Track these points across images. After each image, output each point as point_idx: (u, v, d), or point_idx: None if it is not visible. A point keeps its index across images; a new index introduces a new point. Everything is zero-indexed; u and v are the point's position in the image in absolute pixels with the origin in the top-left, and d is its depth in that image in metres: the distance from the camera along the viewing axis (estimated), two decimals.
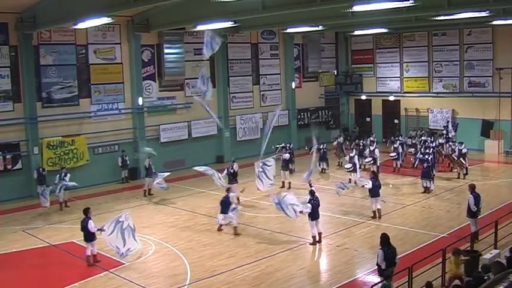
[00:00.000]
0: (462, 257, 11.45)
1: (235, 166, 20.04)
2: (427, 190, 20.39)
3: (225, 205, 16.34)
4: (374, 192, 17.23)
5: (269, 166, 19.77)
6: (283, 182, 22.04)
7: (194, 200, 20.62)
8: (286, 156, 22.50)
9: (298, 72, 32.70)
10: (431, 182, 20.58)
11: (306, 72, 33.01)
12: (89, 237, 14.07)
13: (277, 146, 24.22)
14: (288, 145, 25.13)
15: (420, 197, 19.89)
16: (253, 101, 30.31)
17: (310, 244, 15.02)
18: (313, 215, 15.09)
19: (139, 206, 20.33)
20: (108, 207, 19.96)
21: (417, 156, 23.37)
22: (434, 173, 21.20)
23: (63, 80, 22.95)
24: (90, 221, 14.09)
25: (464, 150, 23.01)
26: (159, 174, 20.91)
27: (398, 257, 11.29)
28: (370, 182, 17.21)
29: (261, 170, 19.56)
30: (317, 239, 15.14)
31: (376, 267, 11.23)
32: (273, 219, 17.10)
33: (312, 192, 15.52)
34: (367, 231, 15.98)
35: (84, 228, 14.05)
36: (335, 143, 27.67)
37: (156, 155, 22.47)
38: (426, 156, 21.27)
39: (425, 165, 20.69)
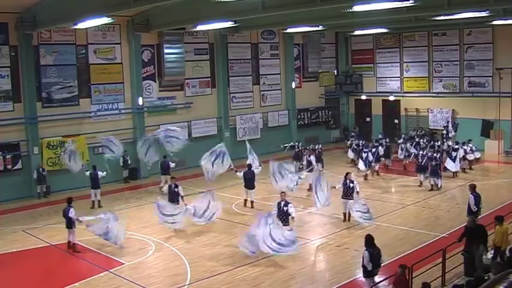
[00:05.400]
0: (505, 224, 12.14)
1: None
2: (435, 187, 20.60)
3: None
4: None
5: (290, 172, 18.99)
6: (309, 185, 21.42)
7: (194, 200, 20.56)
8: (312, 158, 22.10)
9: (298, 72, 32.68)
10: (440, 179, 20.85)
11: (306, 72, 32.99)
12: (69, 224, 15.22)
13: (286, 145, 24.34)
14: (297, 143, 25.47)
15: (420, 197, 19.89)
16: (253, 101, 30.32)
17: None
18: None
19: (139, 206, 20.33)
20: (108, 207, 19.94)
21: (411, 151, 24.16)
22: (441, 171, 21.41)
23: (63, 80, 22.93)
24: (71, 209, 15.18)
25: (471, 157, 23.69)
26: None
27: (382, 258, 11.32)
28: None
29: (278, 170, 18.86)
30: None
31: (362, 268, 11.28)
32: None
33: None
34: (367, 231, 15.89)
35: (65, 215, 15.24)
36: (349, 142, 27.72)
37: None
38: (434, 154, 21.53)
39: (433, 163, 20.94)
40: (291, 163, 20.37)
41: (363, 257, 11.11)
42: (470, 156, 24.05)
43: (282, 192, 15.51)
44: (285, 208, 14.76)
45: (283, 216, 14.72)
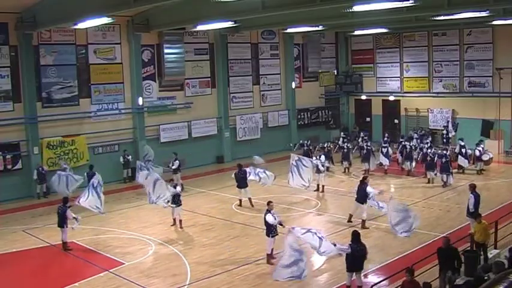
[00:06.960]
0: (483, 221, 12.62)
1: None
2: (447, 183, 21.22)
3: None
4: None
5: (305, 167, 19.78)
6: (317, 185, 21.31)
7: (194, 200, 20.61)
8: (322, 158, 21.83)
9: (298, 72, 32.67)
10: (451, 176, 21.43)
11: (306, 72, 32.99)
12: (61, 223, 15.30)
13: (294, 143, 24.58)
14: (306, 142, 25.76)
15: (420, 197, 19.93)
16: (253, 101, 30.32)
17: None
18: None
19: (139, 206, 20.30)
20: (108, 207, 19.92)
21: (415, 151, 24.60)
22: (451, 169, 21.91)
23: (63, 80, 22.93)
24: (68, 210, 15.33)
25: (486, 157, 24.06)
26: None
27: (367, 255, 11.65)
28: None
29: (295, 164, 19.68)
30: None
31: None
32: None
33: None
34: (367, 231, 15.94)
35: (61, 215, 15.25)
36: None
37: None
38: (445, 152, 22.07)
39: (443, 160, 21.49)
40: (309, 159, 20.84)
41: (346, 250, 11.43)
42: (485, 157, 24.22)
43: (270, 202, 14.18)
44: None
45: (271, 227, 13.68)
